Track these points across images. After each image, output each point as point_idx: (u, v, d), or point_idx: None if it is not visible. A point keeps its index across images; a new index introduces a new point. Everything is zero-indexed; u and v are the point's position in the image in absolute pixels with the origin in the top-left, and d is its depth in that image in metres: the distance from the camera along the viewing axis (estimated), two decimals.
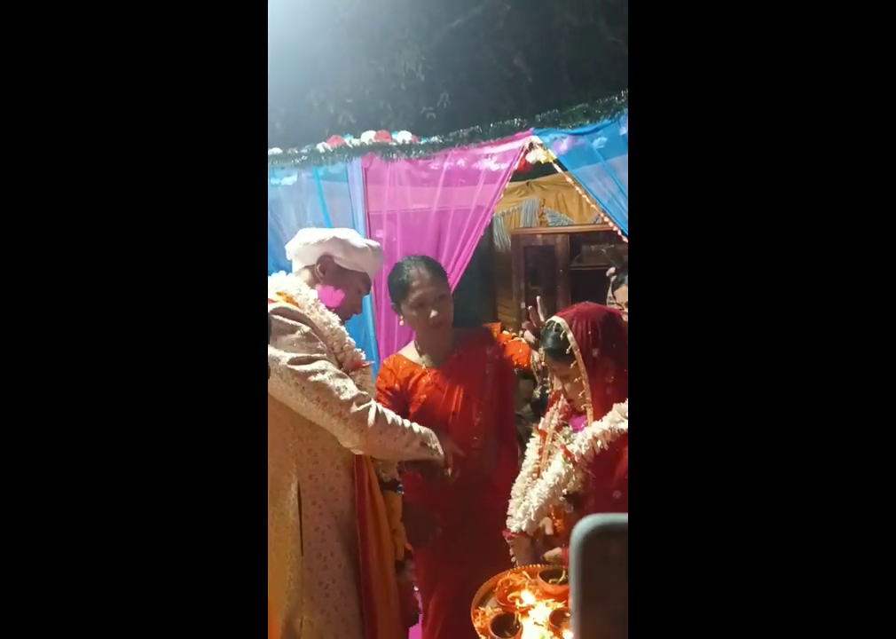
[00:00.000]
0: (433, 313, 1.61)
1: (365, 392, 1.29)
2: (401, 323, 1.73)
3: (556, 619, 1.16)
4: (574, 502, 1.27)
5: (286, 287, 1.33)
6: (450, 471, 1.43)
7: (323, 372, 1.21)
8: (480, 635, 1.18)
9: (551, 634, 1.15)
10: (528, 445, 1.47)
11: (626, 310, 1.92)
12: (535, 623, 1.19)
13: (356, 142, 2.24)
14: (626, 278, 2.05)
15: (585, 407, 1.26)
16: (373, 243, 1.48)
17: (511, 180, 2.12)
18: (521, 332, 1.62)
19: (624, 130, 1.83)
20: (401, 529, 1.45)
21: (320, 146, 2.27)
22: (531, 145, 2.01)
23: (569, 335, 1.22)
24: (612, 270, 2.31)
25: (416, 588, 1.66)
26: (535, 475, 1.40)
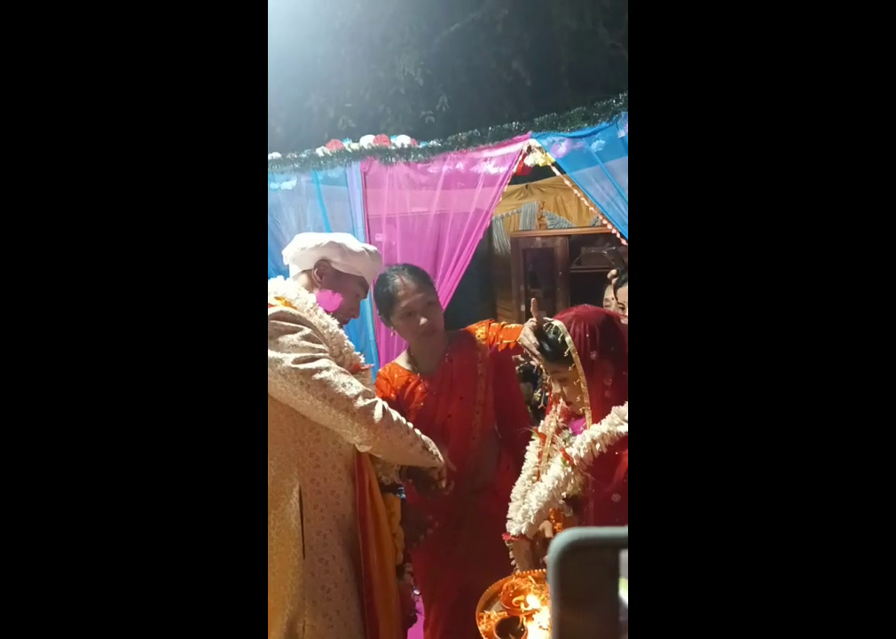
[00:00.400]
0: (423, 321, 1.59)
1: (369, 389, 1.30)
2: (392, 335, 1.72)
3: None
4: (573, 506, 1.27)
5: (285, 292, 1.34)
6: (444, 483, 1.43)
7: (327, 369, 1.22)
8: None
9: None
10: (527, 448, 1.47)
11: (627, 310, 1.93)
12: (540, 627, 1.19)
13: (355, 146, 2.25)
14: (627, 278, 2.06)
15: (583, 410, 1.26)
16: (370, 247, 1.49)
17: (510, 183, 2.13)
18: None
19: (622, 133, 1.84)
20: (400, 533, 1.45)
21: (320, 151, 2.29)
22: (530, 149, 2.02)
23: (567, 338, 1.22)
24: (613, 272, 2.32)
25: (417, 592, 1.66)
26: (534, 478, 1.40)
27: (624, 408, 1.20)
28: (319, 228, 2.31)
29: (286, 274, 1.44)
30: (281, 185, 2.36)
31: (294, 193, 2.38)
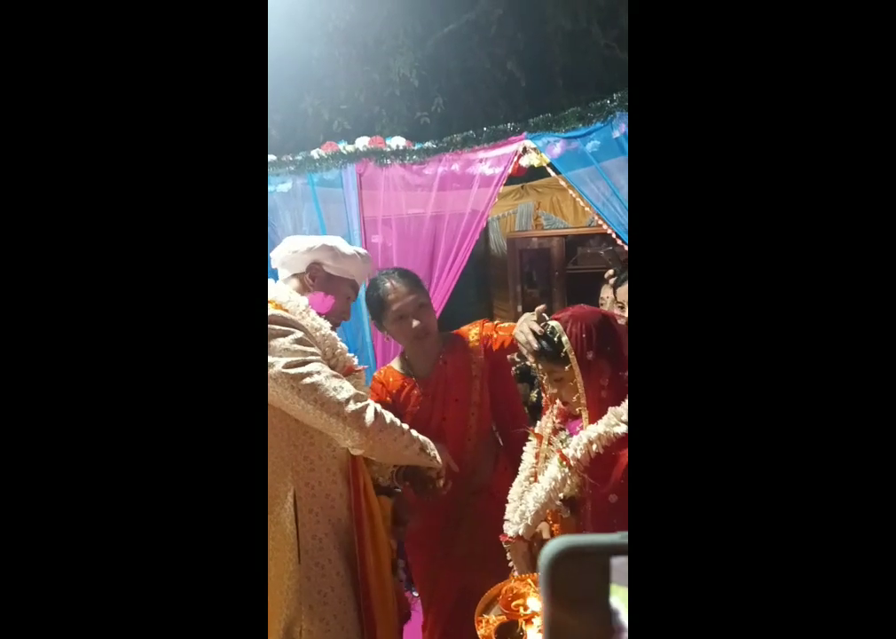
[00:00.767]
0: (415, 323, 1.58)
1: (361, 392, 1.29)
2: (386, 339, 1.72)
3: None
4: (570, 507, 1.26)
5: (276, 295, 1.33)
6: (441, 483, 1.43)
7: (318, 373, 1.21)
8: None
9: None
10: (524, 448, 1.47)
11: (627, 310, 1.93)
12: (539, 631, 1.19)
13: (350, 148, 2.25)
14: (627, 277, 2.06)
15: (580, 411, 1.26)
16: (362, 250, 1.49)
17: (505, 184, 2.13)
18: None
19: (617, 133, 1.84)
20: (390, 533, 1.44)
21: (315, 153, 2.28)
22: (525, 149, 2.02)
23: (564, 338, 1.22)
24: (610, 272, 2.32)
25: (416, 593, 1.66)
26: (532, 479, 1.39)
27: (621, 409, 1.19)
28: (315, 230, 2.30)
29: (275, 278, 1.44)
30: (277, 188, 2.36)
31: (290, 196, 2.38)
